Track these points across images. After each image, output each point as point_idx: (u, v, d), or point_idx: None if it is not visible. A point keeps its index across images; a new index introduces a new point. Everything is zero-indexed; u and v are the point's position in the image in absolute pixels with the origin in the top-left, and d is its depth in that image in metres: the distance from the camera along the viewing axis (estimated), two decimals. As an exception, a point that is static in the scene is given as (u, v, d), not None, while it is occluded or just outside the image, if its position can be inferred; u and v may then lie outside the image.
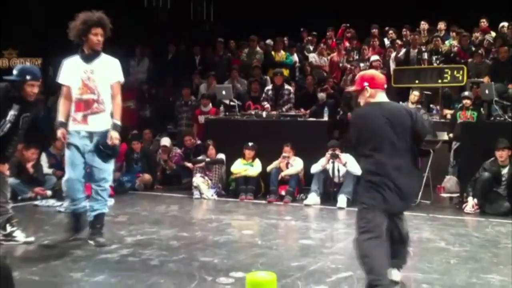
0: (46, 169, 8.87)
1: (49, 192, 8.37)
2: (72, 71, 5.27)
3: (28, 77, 4.96)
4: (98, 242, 5.27)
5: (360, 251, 3.65)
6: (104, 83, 5.26)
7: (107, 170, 5.39)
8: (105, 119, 5.26)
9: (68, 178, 5.34)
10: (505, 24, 11.91)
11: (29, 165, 8.37)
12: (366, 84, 3.87)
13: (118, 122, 5.23)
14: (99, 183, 5.36)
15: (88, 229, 5.41)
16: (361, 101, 3.92)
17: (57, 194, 8.31)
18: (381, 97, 3.92)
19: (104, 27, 5.22)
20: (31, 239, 5.42)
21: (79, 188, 5.38)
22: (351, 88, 4.17)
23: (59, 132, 5.23)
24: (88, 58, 5.25)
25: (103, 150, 5.19)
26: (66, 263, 4.69)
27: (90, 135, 5.23)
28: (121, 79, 5.38)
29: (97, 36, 5.19)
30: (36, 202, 7.95)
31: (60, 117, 5.29)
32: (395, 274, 4.02)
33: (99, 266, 4.62)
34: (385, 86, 4.03)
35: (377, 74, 4.14)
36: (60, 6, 11.19)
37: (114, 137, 5.16)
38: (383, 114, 3.78)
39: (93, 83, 5.22)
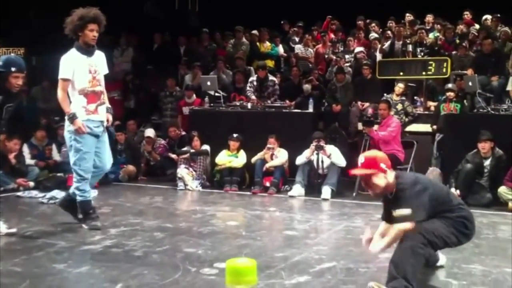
0: (29, 160, 8.81)
1: (31, 183, 8.30)
2: (79, 66, 5.46)
3: (13, 69, 4.94)
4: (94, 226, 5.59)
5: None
6: (102, 74, 5.65)
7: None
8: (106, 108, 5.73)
9: (88, 165, 5.55)
10: (488, 16, 12.00)
11: (11, 156, 8.28)
12: (383, 165, 3.75)
13: (110, 106, 5.79)
14: (108, 169, 5.93)
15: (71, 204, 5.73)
16: (381, 182, 3.74)
17: (40, 185, 8.27)
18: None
19: (99, 23, 5.46)
20: (14, 230, 5.38)
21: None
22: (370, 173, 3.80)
23: (79, 122, 5.40)
24: (90, 52, 5.52)
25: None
26: (49, 254, 4.66)
27: (101, 123, 5.63)
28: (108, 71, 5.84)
29: (93, 32, 5.41)
30: (19, 193, 7.88)
31: (73, 109, 5.47)
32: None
33: (82, 257, 4.61)
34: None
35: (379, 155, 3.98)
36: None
37: (110, 119, 5.73)
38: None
39: (99, 76, 5.59)
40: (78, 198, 5.61)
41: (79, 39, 5.44)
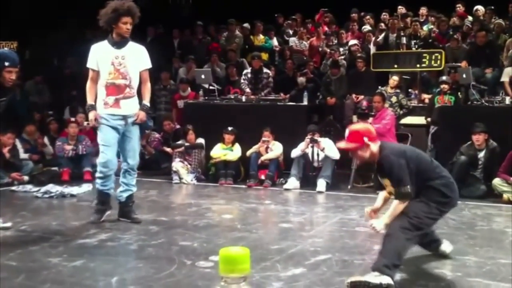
0: (22, 154, 8.77)
1: (26, 178, 8.28)
2: (102, 56, 5.42)
3: (6, 63, 4.90)
4: (135, 219, 5.60)
5: None
6: (135, 69, 5.49)
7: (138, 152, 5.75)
8: (136, 103, 5.57)
9: (106, 159, 5.48)
10: (479, 7, 12.00)
11: (5, 150, 8.27)
12: (366, 139, 3.94)
13: (147, 104, 5.63)
14: (134, 166, 5.67)
15: (121, 208, 5.69)
16: (366, 154, 3.98)
17: (34, 180, 8.25)
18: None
19: (133, 16, 5.40)
20: (8, 224, 5.36)
21: (113, 168, 5.58)
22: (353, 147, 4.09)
23: (92, 114, 5.40)
24: (119, 44, 5.43)
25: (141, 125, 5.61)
26: (44, 248, 4.65)
27: (124, 118, 5.46)
28: (150, 65, 5.62)
29: (126, 25, 5.36)
30: (13, 188, 7.86)
31: (90, 101, 5.48)
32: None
33: (77, 251, 4.59)
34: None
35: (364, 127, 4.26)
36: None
37: (141, 116, 5.49)
38: None
39: (125, 69, 5.44)
40: (97, 187, 5.65)
41: (113, 31, 5.41)
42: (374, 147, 3.96)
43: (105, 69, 5.40)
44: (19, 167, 8.40)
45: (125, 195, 5.67)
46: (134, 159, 5.64)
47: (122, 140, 5.54)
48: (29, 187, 7.83)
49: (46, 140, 9.42)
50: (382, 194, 4.26)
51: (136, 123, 5.52)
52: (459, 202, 6.91)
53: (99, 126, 5.44)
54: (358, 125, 4.32)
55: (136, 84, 5.54)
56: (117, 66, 5.41)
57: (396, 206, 3.87)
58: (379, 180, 4.26)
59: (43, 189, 7.39)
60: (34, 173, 8.53)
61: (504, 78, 9.24)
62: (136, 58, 5.51)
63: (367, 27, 12.37)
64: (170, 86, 11.21)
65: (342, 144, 4.16)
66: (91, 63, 5.46)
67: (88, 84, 5.49)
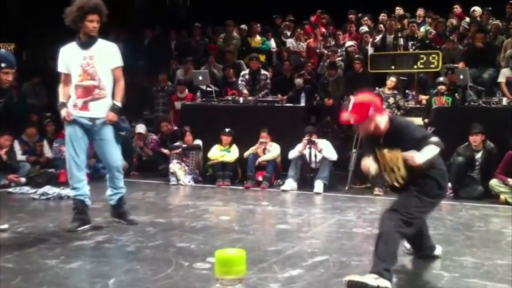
0: (20, 156, 8.75)
1: (23, 179, 8.28)
2: (70, 59, 5.25)
3: (3, 65, 4.89)
4: (131, 220, 5.55)
5: None
6: (105, 68, 5.26)
7: (120, 152, 5.49)
8: (107, 105, 5.29)
9: (68, 156, 5.32)
10: (476, 8, 12.02)
11: (2, 152, 8.27)
12: (371, 110, 3.75)
13: (118, 103, 5.31)
14: (117, 168, 5.45)
15: (114, 211, 5.61)
16: (371, 126, 3.79)
17: (31, 181, 8.24)
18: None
19: (100, 14, 5.17)
20: (5, 226, 5.34)
21: (81, 166, 5.35)
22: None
23: (64, 112, 5.23)
24: (86, 44, 5.22)
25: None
26: (41, 250, 4.64)
27: (93, 120, 5.26)
28: (121, 63, 5.39)
29: (93, 23, 5.14)
30: (10, 189, 7.84)
31: (62, 99, 5.30)
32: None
33: (74, 253, 4.57)
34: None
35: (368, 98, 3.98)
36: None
37: (109, 117, 5.23)
38: None
39: (93, 69, 5.21)
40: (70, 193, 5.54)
41: (80, 30, 5.22)
42: (381, 118, 3.80)
43: (74, 72, 5.22)
44: (16, 169, 8.39)
45: (115, 198, 5.56)
46: (114, 161, 5.40)
47: (97, 145, 5.40)
48: (26, 188, 7.81)
49: (45, 143, 9.38)
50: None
51: (106, 124, 5.27)
52: (456, 203, 7.00)
53: (67, 124, 5.26)
54: (363, 96, 3.96)
55: (108, 85, 5.30)
56: (85, 67, 5.19)
57: (433, 149, 3.69)
58: (372, 148, 4.00)
59: (40, 190, 7.38)
60: (31, 174, 8.51)
61: (501, 79, 9.26)
62: (106, 57, 5.27)
63: (364, 28, 12.38)
64: (168, 88, 11.20)
65: (346, 116, 3.82)
66: (61, 67, 5.29)
67: (60, 86, 5.34)
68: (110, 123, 5.29)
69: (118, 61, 5.36)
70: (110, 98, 5.33)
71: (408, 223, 3.76)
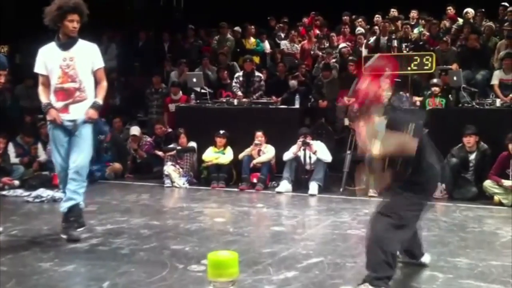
0: (13, 159, 8.72)
1: (16, 182, 8.23)
2: (49, 60, 5.06)
3: None
4: (71, 235, 5.03)
5: None
6: (86, 70, 5.09)
7: (89, 157, 5.16)
8: (88, 107, 5.10)
9: (55, 161, 5.17)
10: (469, 10, 12.06)
11: (-5, 155, 8.22)
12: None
13: (99, 101, 5.11)
14: (79, 169, 5.04)
15: (62, 221, 5.18)
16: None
17: (25, 184, 8.20)
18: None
19: (80, 13, 4.97)
20: (-1, 229, 5.33)
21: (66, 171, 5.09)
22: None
23: (53, 113, 5.01)
24: (66, 45, 5.04)
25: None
26: (35, 253, 4.62)
27: (73, 122, 5.05)
28: (103, 64, 5.23)
29: (72, 23, 4.95)
30: (4, 192, 7.80)
31: (45, 100, 5.08)
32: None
33: (68, 256, 4.56)
34: None
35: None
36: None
37: (90, 114, 5.04)
38: None
39: (74, 71, 5.03)
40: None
41: (59, 30, 5.04)
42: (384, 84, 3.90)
43: (54, 73, 5.02)
44: (10, 172, 8.36)
45: (66, 205, 5.09)
46: (78, 161, 5.02)
47: (71, 141, 5.09)
48: (20, 191, 7.78)
49: (39, 145, 9.33)
50: None
51: (86, 121, 5.05)
52: (450, 204, 7.02)
53: (51, 126, 5.10)
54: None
55: (89, 87, 5.11)
56: (65, 68, 5.00)
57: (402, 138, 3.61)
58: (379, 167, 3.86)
59: (34, 193, 7.35)
60: (25, 177, 8.48)
61: (494, 81, 9.30)
62: (87, 58, 5.08)
63: (360, 29, 12.40)
64: (162, 90, 11.18)
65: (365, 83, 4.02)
66: (38, 68, 5.09)
67: (40, 88, 5.12)
68: (90, 121, 5.08)
69: (100, 62, 5.19)
70: (92, 100, 5.13)
71: (398, 225, 3.64)
